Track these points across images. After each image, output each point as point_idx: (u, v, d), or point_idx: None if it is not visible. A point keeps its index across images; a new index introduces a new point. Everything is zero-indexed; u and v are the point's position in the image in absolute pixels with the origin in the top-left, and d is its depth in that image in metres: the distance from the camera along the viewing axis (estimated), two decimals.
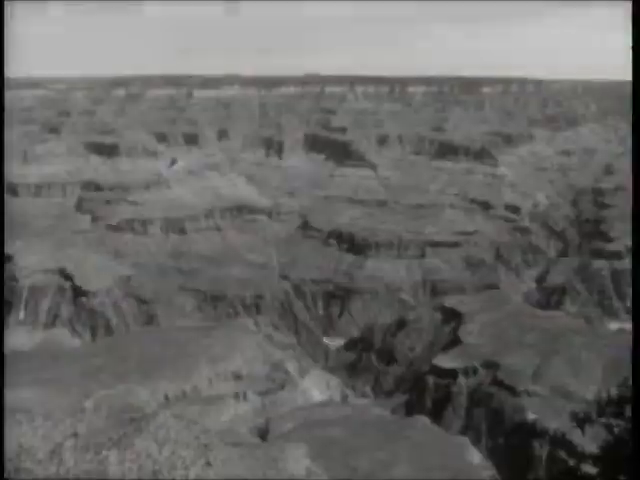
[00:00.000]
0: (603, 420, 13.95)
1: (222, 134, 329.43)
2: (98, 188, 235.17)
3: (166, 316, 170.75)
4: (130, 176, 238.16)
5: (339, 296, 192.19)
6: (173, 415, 54.39)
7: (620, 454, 13.32)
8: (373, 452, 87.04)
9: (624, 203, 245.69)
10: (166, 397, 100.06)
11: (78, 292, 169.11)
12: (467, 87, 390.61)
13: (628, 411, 13.81)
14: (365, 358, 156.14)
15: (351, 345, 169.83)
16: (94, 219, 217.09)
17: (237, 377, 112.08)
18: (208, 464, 50.66)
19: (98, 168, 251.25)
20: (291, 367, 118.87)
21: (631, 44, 14.84)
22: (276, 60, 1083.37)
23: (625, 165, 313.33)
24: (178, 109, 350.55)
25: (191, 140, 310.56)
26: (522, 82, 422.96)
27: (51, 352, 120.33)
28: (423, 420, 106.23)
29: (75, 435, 50.40)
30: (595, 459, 13.95)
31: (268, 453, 58.44)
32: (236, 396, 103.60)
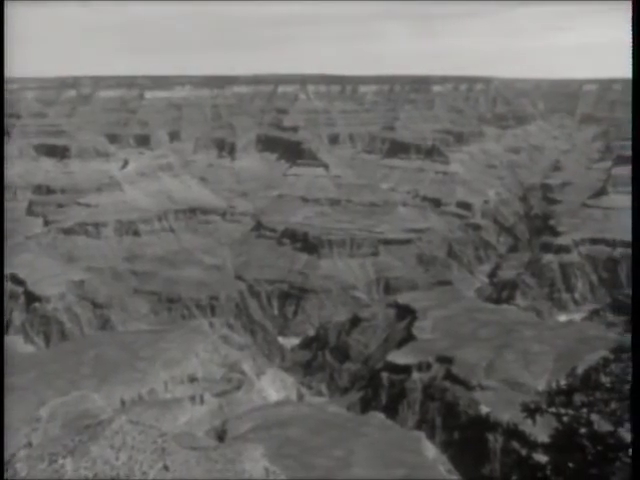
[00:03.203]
0: (553, 410, 14.34)
1: (174, 135, 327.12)
2: (50, 191, 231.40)
3: (121, 320, 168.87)
4: (82, 178, 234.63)
5: (294, 295, 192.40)
6: (129, 420, 54.03)
7: (569, 442, 13.77)
8: (330, 450, 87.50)
9: (571, 198, 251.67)
10: (122, 402, 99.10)
11: (31, 298, 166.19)
12: (417, 86, 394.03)
13: (577, 399, 14.25)
14: (320, 356, 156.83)
15: (306, 344, 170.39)
16: (46, 223, 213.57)
17: (193, 379, 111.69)
18: (166, 468, 50.53)
19: (49, 171, 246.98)
20: (247, 367, 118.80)
21: (631, 44, 15.15)
22: (228, 57, 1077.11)
23: (571, 161, 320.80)
24: (129, 110, 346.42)
25: (143, 142, 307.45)
26: (471, 81, 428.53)
27: (4, 360, 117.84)
28: (378, 416, 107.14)
29: (29, 445, 49.76)
30: (546, 448, 14.36)
31: (225, 455, 58.43)
32: (192, 398, 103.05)
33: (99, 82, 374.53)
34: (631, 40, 15.10)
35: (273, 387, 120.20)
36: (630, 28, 15.24)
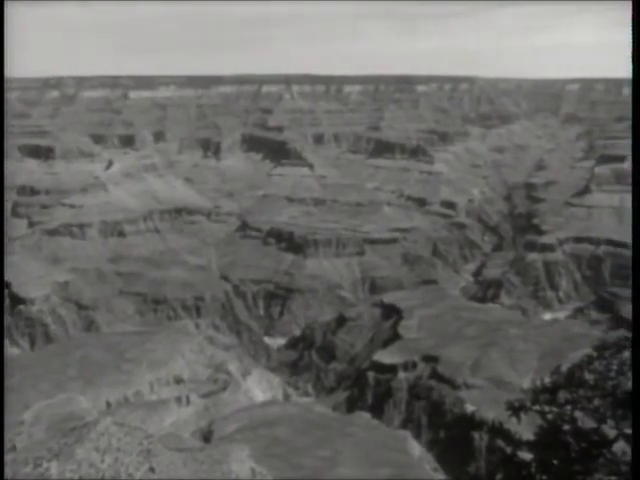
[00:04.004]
0: (537, 407, 14.42)
1: (159, 136, 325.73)
2: (34, 192, 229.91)
3: (106, 321, 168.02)
4: (66, 179, 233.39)
5: (279, 295, 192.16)
6: (115, 422, 53.76)
7: (554, 439, 13.87)
8: (316, 450, 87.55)
9: (555, 197, 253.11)
10: (108, 404, 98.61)
11: (16, 300, 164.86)
12: (402, 86, 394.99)
13: (561, 397, 14.34)
14: (306, 356, 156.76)
15: (292, 344, 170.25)
16: (30, 224, 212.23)
17: (179, 380, 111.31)
18: (152, 470, 50.34)
19: (33, 172, 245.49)
20: (233, 368, 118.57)
21: (631, 44, 15.18)
22: (212, 58, 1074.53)
23: (555, 160, 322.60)
24: (114, 111, 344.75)
25: (127, 142, 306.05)
26: (456, 80, 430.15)
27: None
28: (364, 416, 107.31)
29: (14, 449, 49.51)
30: (530, 445, 14.44)
31: (212, 456, 58.32)
32: (178, 400, 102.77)
33: (83, 82, 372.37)
34: (631, 40, 15.13)
35: (259, 387, 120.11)
36: (630, 28, 15.29)
